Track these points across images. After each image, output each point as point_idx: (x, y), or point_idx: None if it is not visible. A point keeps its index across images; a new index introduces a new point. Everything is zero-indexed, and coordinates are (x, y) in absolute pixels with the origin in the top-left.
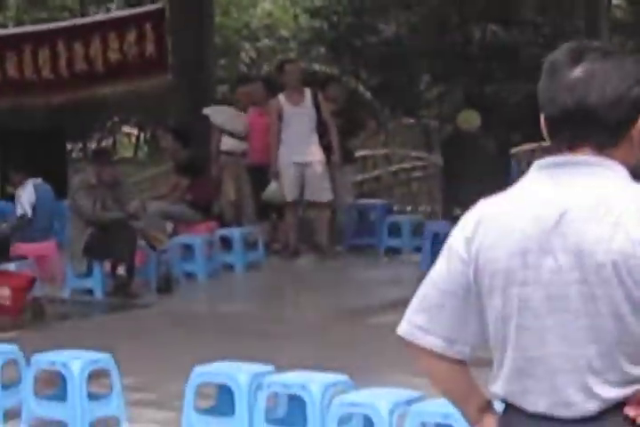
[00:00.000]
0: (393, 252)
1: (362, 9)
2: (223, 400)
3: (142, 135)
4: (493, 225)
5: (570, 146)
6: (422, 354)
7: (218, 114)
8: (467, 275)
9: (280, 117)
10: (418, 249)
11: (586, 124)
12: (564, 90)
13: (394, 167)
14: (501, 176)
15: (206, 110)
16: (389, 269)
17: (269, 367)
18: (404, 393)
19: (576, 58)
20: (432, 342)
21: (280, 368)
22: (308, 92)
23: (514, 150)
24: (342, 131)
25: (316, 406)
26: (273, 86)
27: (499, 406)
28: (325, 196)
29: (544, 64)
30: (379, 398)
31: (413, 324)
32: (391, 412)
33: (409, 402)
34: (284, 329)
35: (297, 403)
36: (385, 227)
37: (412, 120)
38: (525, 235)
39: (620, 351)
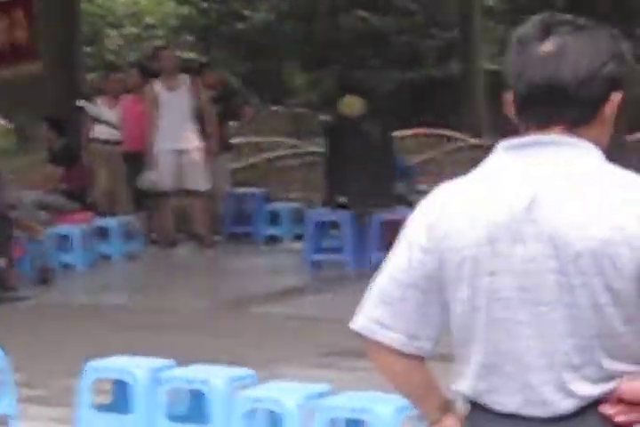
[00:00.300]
0: (272, 240)
1: None
2: (120, 396)
3: (10, 125)
4: (458, 211)
5: (539, 125)
6: (381, 351)
7: (93, 106)
8: (429, 265)
9: (156, 104)
10: (298, 237)
11: (556, 101)
12: (533, 65)
13: (269, 155)
14: (386, 163)
15: (81, 102)
16: (270, 257)
17: (168, 361)
18: (311, 387)
19: (545, 31)
20: (393, 337)
21: (177, 362)
22: (184, 79)
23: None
24: (219, 118)
25: (220, 402)
26: (147, 73)
27: (462, 406)
28: (203, 184)
29: (511, 38)
30: (285, 393)
31: (372, 318)
32: (299, 407)
33: (317, 396)
34: (170, 321)
35: (199, 398)
36: (264, 215)
37: (280, 108)
38: (494, 222)
39: (599, 345)
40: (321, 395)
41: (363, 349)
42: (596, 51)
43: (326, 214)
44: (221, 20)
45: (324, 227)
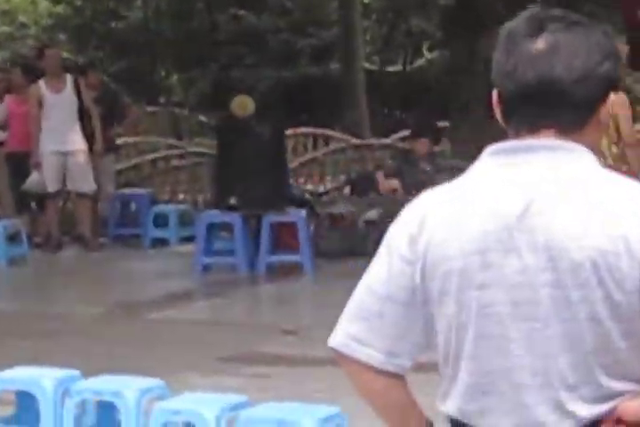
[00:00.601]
0: (159, 243)
1: None
2: (25, 408)
3: None
4: (444, 220)
5: (530, 128)
6: (358, 369)
7: None
8: (411, 277)
9: (40, 105)
10: (185, 239)
11: (549, 102)
12: (524, 63)
13: (153, 156)
14: (278, 164)
15: None
16: (158, 260)
17: (75, 372)
18: (228, 398)
19: (536, 28)
20: (371, 355)
21: (85, 372)
22: (68, 79)
23: None
24: (103, 119)
25: (132, 414)
26: (30, 72)
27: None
28: (88, 186)
29: (499, 35)
30: (203, 405)
31: (349, 334)
32: (218, 419)
33: (236, 408)
34: (62, 327)
35: (108, 411)
36: (150, 217)
37: (156, 108)
38: (484, 231)
39: (597, 362)
40: (240, 406)
41: (262, 354)
42: (591, 48)
43: (217, 216)
44: (96, 18)
45: (215, 229)
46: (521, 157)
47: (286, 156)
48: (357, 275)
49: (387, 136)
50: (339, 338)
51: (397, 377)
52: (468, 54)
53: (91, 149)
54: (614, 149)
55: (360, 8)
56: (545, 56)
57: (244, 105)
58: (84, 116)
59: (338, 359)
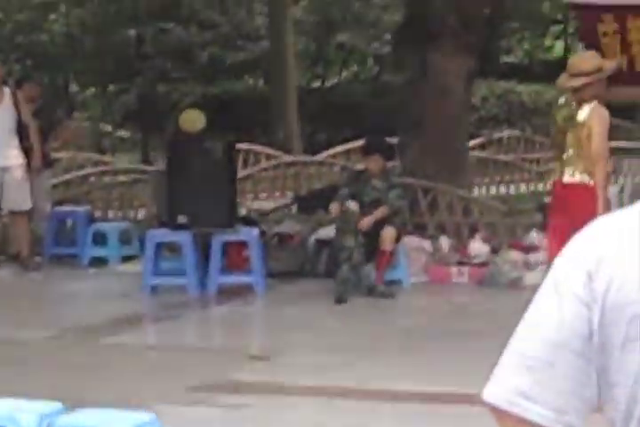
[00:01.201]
0: (98, 261)
1: (30, 6)
2: None
3: None
4: (625, 256)
5: None
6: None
7: None
8: (588, 321)
9: None
10: (125, 258)
11: None
12: None
13: (84, 171)
14: (229, 181)
15: None
16: (100, 280)
17: (57, 405)
18: None
19: None
20: (540, 413)
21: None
22: (6, 92)
23: None
24: (41, 133)
25: None
26: None
27: None
28: (26, 204)
29: None
30: None
31: (513, 388)
32: None
33: None
34: (17, 353)
35: None
36: (89, 235)
37: (74, 122)
38: None
39: None
40: None
41: (228, 382)
42: None
43: (166, 235)
44: (18, 30)
45: (161, 248)
46: None
47: (236, 172)
48: (310, 296)
49: (315, 153)
50: (499, 392)
51: None
52: (419, 70)
53: (28, 164)
54: (584, 163)
55: (292, 22)
56: None
57: (193, 120)
58: (21, 130)
59: (494, 414)
